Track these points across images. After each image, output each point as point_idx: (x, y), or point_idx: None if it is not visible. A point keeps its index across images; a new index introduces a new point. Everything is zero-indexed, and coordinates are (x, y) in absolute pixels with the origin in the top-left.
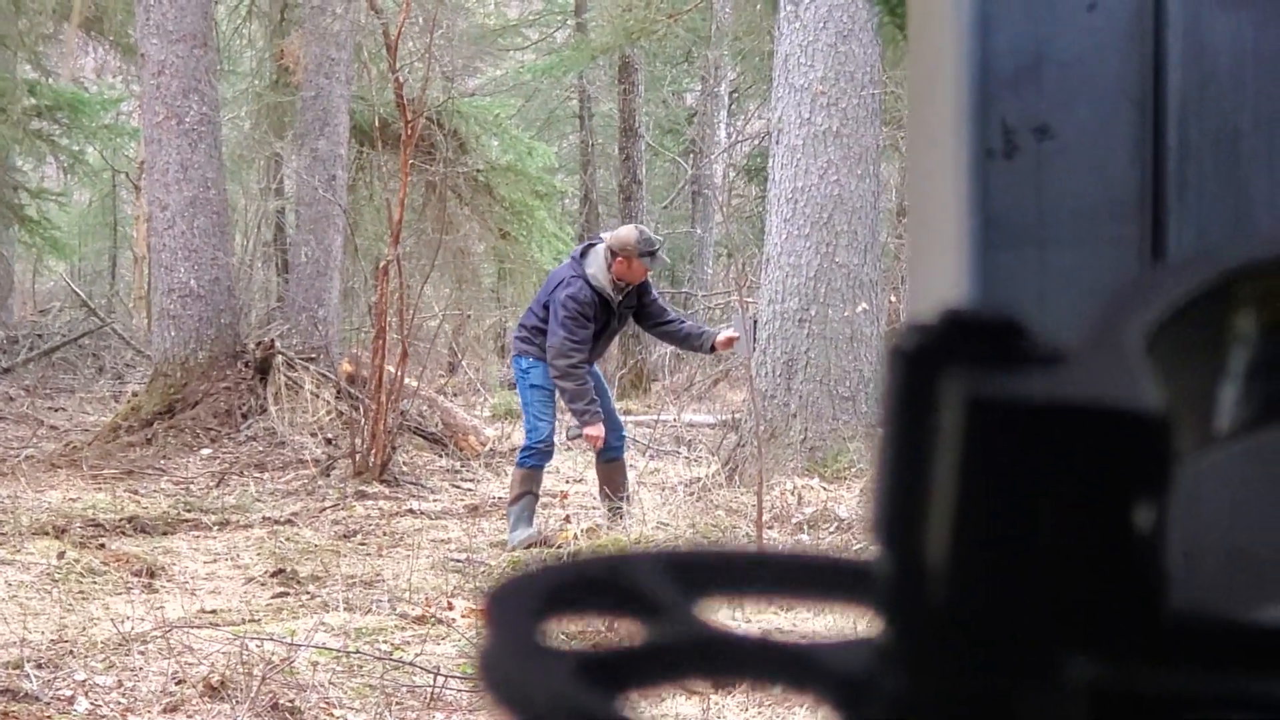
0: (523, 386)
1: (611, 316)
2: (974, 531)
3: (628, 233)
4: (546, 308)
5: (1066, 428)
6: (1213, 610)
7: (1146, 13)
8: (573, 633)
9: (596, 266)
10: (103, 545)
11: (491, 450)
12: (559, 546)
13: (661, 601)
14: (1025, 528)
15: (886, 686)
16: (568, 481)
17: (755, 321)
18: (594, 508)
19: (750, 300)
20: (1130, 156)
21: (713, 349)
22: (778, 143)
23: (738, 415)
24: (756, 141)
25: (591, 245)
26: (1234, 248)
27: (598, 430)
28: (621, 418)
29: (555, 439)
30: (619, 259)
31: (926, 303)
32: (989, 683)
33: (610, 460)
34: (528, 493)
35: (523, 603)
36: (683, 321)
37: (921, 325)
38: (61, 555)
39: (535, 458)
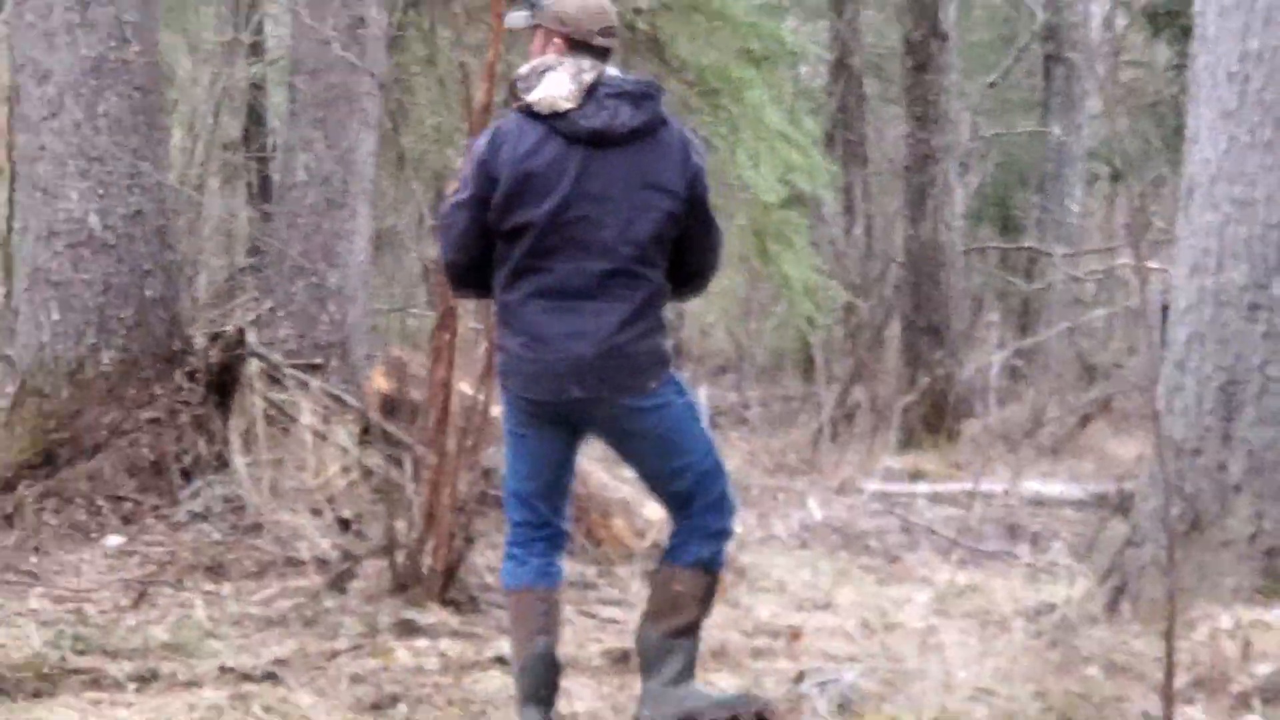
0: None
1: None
2: None
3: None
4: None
5: None
6: None
7: None
8: None
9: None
10: None
11: (655, 545)
12: None
13: None
14: None
15: None
16: (800, 608)
17: (1166, 308)
18: (852, 658)
19: (1156, 267)
20: None
21: None
22: None
23: (1129, 486)
24: None
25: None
26: None
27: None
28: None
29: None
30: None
31: None
32: None
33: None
34: (534, 636)
35: None
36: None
37: None
38: None
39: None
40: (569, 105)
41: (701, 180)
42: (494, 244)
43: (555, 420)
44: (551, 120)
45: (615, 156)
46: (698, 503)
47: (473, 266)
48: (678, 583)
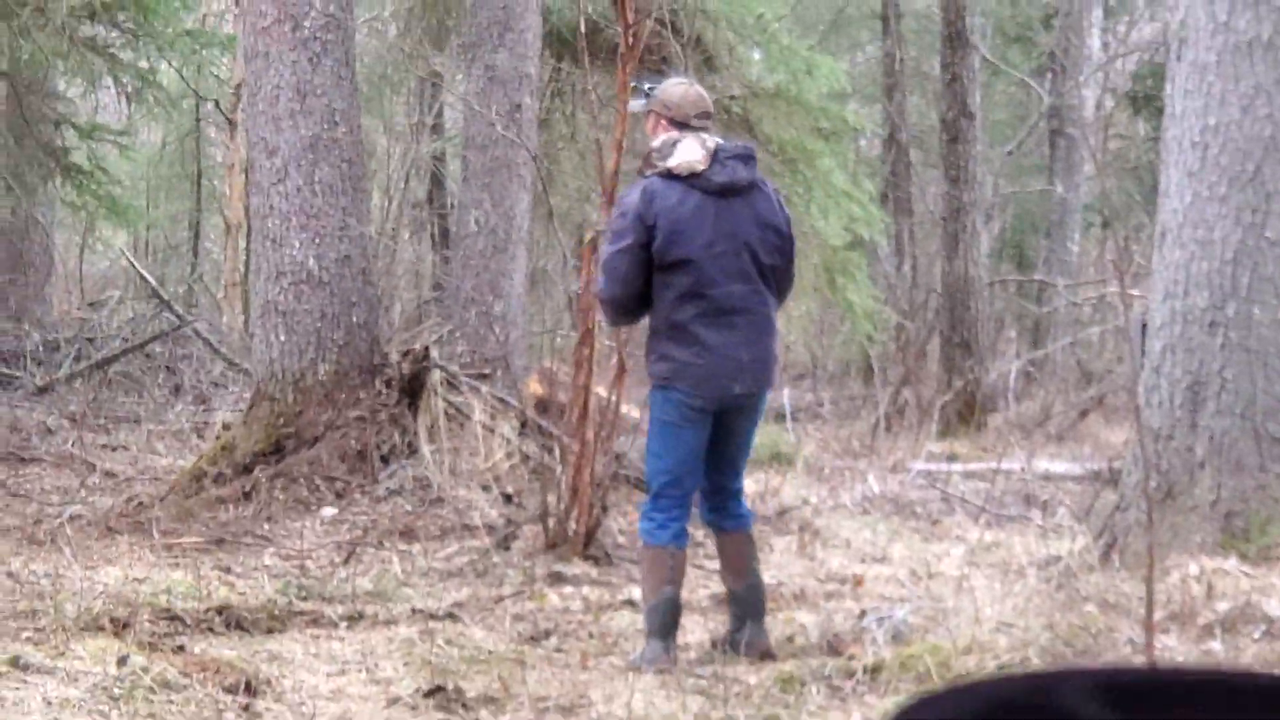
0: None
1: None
2: None
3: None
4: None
5: None
6: None
7: None
8: None
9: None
10: (181, 648)
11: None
12: (851, 658)
13: None
14: None
15: None
16: (863, 560)
17: (1145, 325)
18: (902, 599)
19: (1137, 294)
20: None
21: None
22: (1179, 58)
23: (1117, 464)
24: (1147, 56)
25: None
26: None
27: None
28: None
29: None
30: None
31: None
32: None
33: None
34: (664, 585)
35: None
36: None
37: None
38: (123, 661)
39: (661, 529)
40: (703, 167)
41: (790, 221)
42: (649, 278)
43: (709, 413)
44: (689, 179)
45: (738, 203)
46: (742, 480)
47: (631, 297)
48: (752, 542)
